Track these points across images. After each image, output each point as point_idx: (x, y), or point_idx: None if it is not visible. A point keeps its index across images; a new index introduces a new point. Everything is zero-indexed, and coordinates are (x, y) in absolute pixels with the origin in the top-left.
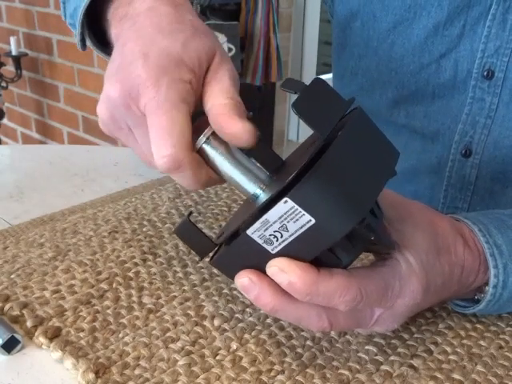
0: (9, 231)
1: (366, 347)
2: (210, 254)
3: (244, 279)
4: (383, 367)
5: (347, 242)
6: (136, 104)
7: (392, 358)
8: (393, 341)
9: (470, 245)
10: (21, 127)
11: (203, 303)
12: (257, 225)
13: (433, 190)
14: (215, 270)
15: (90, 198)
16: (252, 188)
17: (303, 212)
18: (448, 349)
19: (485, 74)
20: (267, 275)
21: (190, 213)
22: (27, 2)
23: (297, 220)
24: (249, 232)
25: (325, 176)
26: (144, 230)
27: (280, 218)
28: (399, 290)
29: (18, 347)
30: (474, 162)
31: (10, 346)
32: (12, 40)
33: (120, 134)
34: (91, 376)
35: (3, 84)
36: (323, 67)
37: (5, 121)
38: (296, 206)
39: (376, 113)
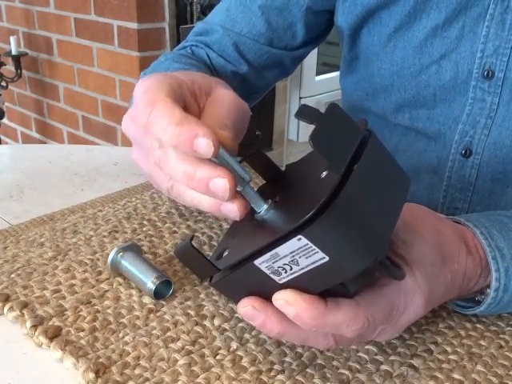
0: (9, 231)
1: (366, 347)
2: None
3: (247, 308)
4: (383, 367)
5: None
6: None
7: (392, 357)
8: (393, 340)
9: (472, 252)
10: (21, 127)
11: (203, 303)
12: (266, 257)
13: (432, 190)
14: None
15: (90, 198)
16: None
17: (317, 249)
18: (448, 348)
19: (485, 74)
20: (271, 301)
21: (193, 236)
22: (27, 2)
23: (309, 256)
24: (256, 262)
25: (341, 215)
26: (144, 229)
27: (291, 252)
28: (404, 307)
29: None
30: (474, 162)
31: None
32: (12, 39)
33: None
34: (91, 376)
35: (3, 83)
36: (323, 67)
37: (5, 120)
38: (310, 244)
39: (382, 116)
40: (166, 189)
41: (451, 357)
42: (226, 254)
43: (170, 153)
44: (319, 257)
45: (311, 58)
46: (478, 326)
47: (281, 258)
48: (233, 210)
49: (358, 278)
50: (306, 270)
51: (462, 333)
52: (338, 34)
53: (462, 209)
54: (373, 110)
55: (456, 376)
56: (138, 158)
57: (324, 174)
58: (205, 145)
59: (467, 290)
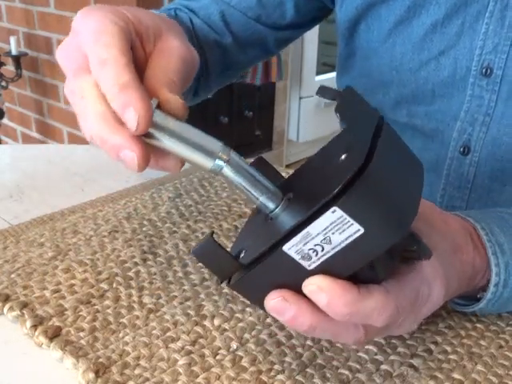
0: (9, 231)
1: (366, 347)
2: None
3: (277, 300)
4: (383, 367)
5: (386, 255)
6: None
7: (392, 357)
8: (393, 340)
9: (477, 244)
10: (21, 127)
11: (203, 303)
12: (296, 239)
13: (431, 188)
14: None
15: (90, 198)
16: (268, 202)
17: (352, 221)
18: (448, 348)
19: (483, 71)
20: (301, 294)
21: (212, 232)
22: (27, 2)
23: (343, 231)
24: (285, 248)
25: (375, 183)
26: (144, 229)
27: (324, 229)
28: (427, 295)
29: None
30: (473, 159)
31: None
32: (12, 40)
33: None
34: (91, 376)
35: (3, 84)
36: (323, 67)
37: (5, 120)
38: (345, 216)
39: (380, 112)
40: (88, 139)
41: (451, 357)
42: (242, 255)
43: (90, 108)
44: (354, 230)
45: (311, 58)
46: (477, 325)
47: (312, 238)
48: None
49: (387, 262)
50: (338, 248)
51: (462, 332)
52: (336, 28)
53: (460, 207)
54: None
55: (456, 376)
56: (69, 95)
57: (343, 156)
58: (132, 119)
59: (474, 284)
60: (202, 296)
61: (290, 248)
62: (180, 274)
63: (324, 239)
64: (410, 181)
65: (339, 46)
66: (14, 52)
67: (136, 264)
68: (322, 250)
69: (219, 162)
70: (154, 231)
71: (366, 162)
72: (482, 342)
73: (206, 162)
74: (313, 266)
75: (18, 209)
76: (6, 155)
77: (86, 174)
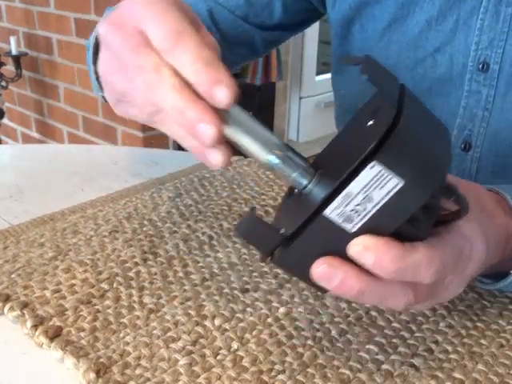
0: (9, 231)
1: (367, 346)
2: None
3: (323, 266)
4: (384, 366)
5: (424, 211)
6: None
7: (393, 357)
8: (393, 340)
9: (507, 210)
10: (21, 127)
11: (204, 303)
12: (337, 201)
13: None
14: (216, 270)
15: (90, 198)
16: (301, 179)
17: (391, 175)
18: (449, 348)
19: (480, 66)
20: (345, 259)
21: (254, 208)
22: (27, 2)
23: (383, 186)
24: (326, 212)
25: (408, 134)
26: (144, 229)
27: (364, 187)
28: (469, 253)
29: None
30: (474, 155)
31: None
32: (12, 40)
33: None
34: (92, 376)
35: (3, 83)
36: (323, 67)
37: (5, 120)
38: (383, 170)
39: None
40: (146, 113)
41: (452, 356)
42: (282, 231)
43: (166, 79)
44: (393, 183)
45: (311, 58)
46: (478, 324)
47: (353, 198)
48: (213, 159)
49: (426, 218)
50: (379, 205)
51: (463, 332)
52: (332, 31)
53: None
54: None
55: (457, 375)
56: (109, 69)
57: (371, 122)
58: (223, 94)
59: (509, 251)
60: (203, 296)
61: (332, 212)
62: (180, 274)
63: (364, 198)
64: (439, 136)
65: (333, 46)
66: (14, 52)
67: (136, 264)
68: (364, 210)
69: (273, 158)
70: (154, 231)
71: (396, 119)
72: (483, 342)
73: (262, 155)
74: (355, 228)
75: (18, 209)
76: (6, 155)
77: (86, 174)
